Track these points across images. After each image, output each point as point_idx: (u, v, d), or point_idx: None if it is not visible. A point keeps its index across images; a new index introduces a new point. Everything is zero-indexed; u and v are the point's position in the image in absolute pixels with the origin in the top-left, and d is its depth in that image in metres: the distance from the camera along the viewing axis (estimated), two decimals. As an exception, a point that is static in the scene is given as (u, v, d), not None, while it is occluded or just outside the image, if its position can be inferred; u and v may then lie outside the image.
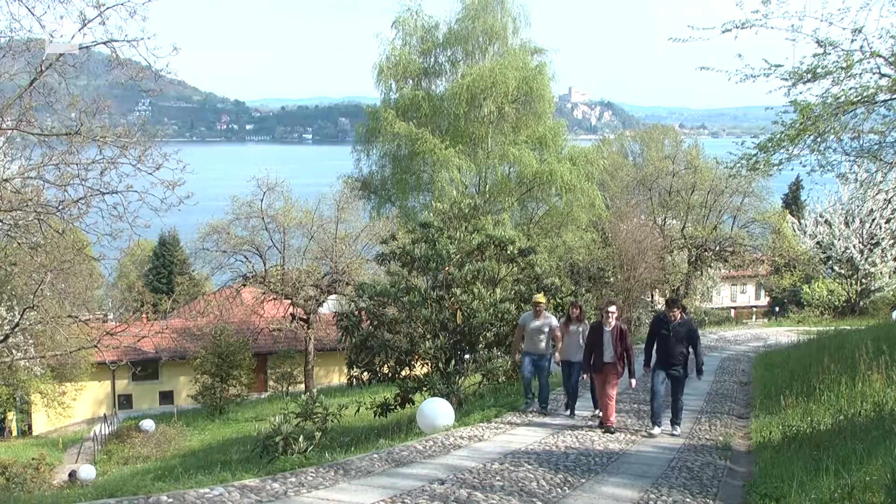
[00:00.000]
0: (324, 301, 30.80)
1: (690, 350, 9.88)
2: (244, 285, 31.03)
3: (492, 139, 33.99)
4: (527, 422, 10.45)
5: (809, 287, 36.99)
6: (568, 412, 11.11)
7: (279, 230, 30.03)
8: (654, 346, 9.93)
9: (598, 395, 10.52)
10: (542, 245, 30.31)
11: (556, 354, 11.03)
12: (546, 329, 11.02)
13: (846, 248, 36.46)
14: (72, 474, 19.79)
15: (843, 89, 10.57)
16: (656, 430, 9.77)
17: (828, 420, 8.62)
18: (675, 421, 9.95)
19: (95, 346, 22.52)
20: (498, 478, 6.82)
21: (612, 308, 10.10)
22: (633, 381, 10.44)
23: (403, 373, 14.44)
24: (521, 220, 34.44)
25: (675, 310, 9.76)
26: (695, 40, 11.37)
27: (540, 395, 11.25)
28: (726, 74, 11.18)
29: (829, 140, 11.39)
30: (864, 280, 36.54)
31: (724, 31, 10.93)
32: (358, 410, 13.75)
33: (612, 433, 9.63)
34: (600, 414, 10.49)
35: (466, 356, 14.47)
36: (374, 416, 13.82)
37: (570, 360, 10.91)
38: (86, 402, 33.56)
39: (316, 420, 10.03)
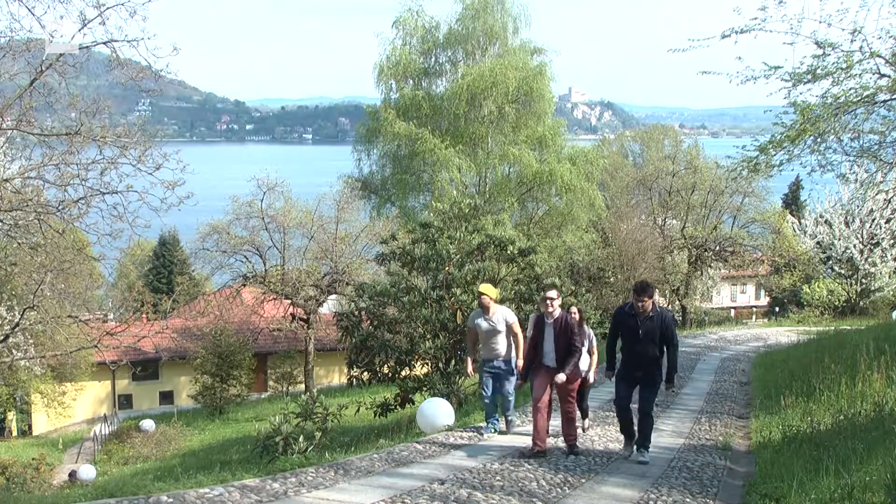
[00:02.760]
0: (324, 301, 30.80)
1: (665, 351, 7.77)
2: (244, 285, 31.03)
3: (492, 139, 34.00)
4: (527, 422, 10.44)
5: (809, 287, 36.98)
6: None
7: (279, 230, 30.03)
8: (619, 347, 7.95)
9: (537, 397, 8.16)
10: (542, 245, 30.26)
11: (519, 360, 8.81)
12: (501, 328, 8.90)
13: (846, 248, 36.46)
14: (72, 474, 19.78)
15: (843, 90, 10.59)
16: (625, 450, 8.12)
17: (828, 420, 8.62)
18: (642, 444, 7.91)
19: (95, 346, 22.50)
20: (498, 478, 6.82)
21: (552, 293, 8.01)
22: (591, 377, 9.20)
23: (403, 373, 14.44)
24: (521, 220, 34.45)
25: (646, 298, 7.57)
26: (694, 49, 11.40)
27: (503, 407, 9.32)
28: (727, 77, 11.20)
29: (829, 140, 11.40)
30: (864, 280, 36.53)
31: (723, 37, 10.96)
32: (358, 410, 13.75)
33: (577, 453, 7.95)
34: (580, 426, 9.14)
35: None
36: (374, 416, 13.82)
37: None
38: (86, 402, 33.56)
39: (316, 420, 10.03)
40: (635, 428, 7.98)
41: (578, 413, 8.79)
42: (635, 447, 7.99)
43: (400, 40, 34.81)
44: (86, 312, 23.56)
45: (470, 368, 9.64)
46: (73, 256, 16.72)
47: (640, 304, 7.59)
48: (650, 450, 7.92)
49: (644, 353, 7.64)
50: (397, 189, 34.61)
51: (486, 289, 9.04)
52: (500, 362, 9.00)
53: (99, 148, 11.61)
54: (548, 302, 7.93)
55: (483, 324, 8.94)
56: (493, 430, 9.19)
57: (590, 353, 9.46)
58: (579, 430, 8.91)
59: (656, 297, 39.62)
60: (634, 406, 7.92)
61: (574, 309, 9.07)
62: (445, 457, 7.68)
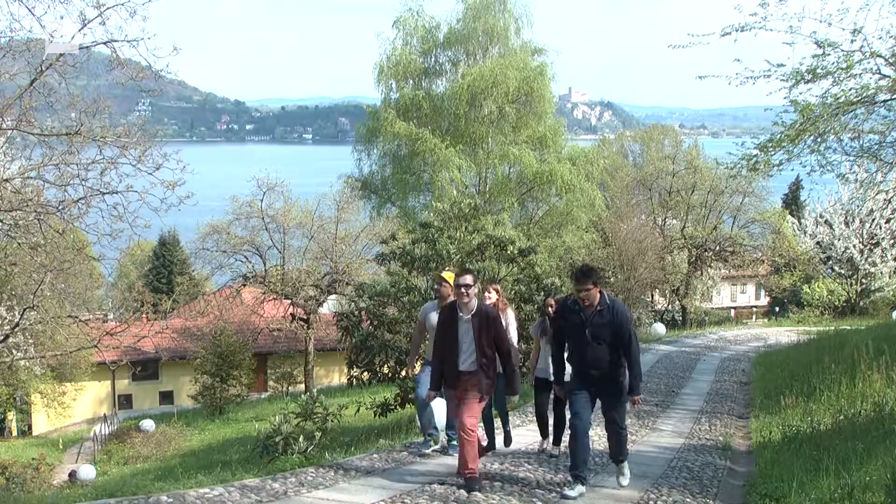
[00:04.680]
0: (324, 301, 30.80)
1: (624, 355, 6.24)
2: (244, 285, 31.04)
3: (492, 139, 34.00)
4: (527, 422, 10.44)
5: (809, 287, 36.97)
6: (545, 446, 8.05)
7: (279, 230, 30.04)
8: (565, 351, 6.51)
9: (450, 415, 6.86)
10: (542, 245, 30.27)
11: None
12: None
13: (846, 248, 36.44)
14: (72, 474, 19.79)
15: (843, 89, 10.60)
16: (575, 492, 6.15)
17: (828, 420, 8.62)
18: (617, 458, 6.58)
19: (95, 346, 22.52)
20: (498, 478, 6.82)
21: (467, 279, 6.24)
22: (514, 400, 7.07)
23: (403, 373, 14.43)
24: (521, 220, 34.44)
25: (589, 286, 6.03)
26: (694, 46, 11.40)
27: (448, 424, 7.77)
28: (726, 79, 11.20)
29: (829, 140, 11.41)
30: (864, 280, 36.52)
31: (723, 35, 10.96)
32: (358, 410, 13.74)
33: (476, 490, 6.14)
34: (548, 447, 7.97)
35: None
36: (374, 416, 13.80)
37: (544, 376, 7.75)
38: (86, 402, 33.56)
39: (316, 420, 10.01)
40: (586, 455, 6.33)
41: (482, 433, 7.28)
42: (617, 464, 6.65)
43: (400, 40, 34.83)
44: (86, 312, 23.59)
45: (416, 368, 8.00)
46: (73, 256, 16.71)
47: (582, 294, 6.07)
48: (626, 472, 6.64)
49: (596, 358, 6.17)
50: (397, 189, 34.61)
51: (450, 276, 7.09)
52: None
53: (99, 148, 11.61)
54: (462, 290, 6.18)
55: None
56: (431, 445, 7.80)
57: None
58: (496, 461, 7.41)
59: (659, 299, 40.13)
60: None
61: (491, 290, 7.65)
62: (445, 457, 7.67)
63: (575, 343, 6.30)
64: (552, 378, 7.10)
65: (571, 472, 6.32)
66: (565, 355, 6.53)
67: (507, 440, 8.14)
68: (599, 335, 6.14)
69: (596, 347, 6.17)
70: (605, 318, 6.16)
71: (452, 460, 7.30)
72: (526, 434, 9.14)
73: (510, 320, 7.68)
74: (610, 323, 6.14)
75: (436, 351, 6.57)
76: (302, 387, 30.92)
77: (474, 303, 6.31)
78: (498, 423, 8.11)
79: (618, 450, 6.59)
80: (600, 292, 6.17)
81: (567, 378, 6.53)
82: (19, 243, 13.64)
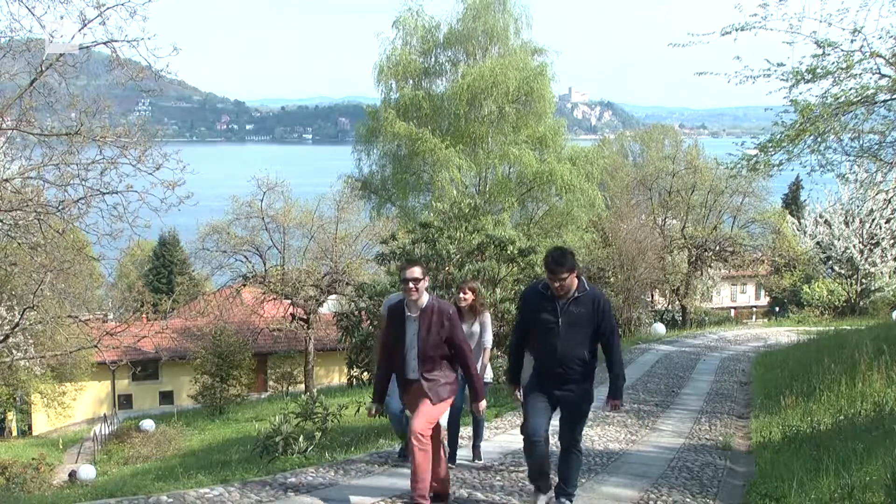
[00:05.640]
0: (324, 301, 30.81)
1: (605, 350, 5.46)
2: (244, 285, 31.04)
3: (492, 139, 34.00)
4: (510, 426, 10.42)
5: (809, 287, 36.98)
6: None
7: (279, 230, 30.04)
8: (529, 347, 5.55)
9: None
10: (542, 245, 30.22)
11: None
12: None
13: (846, 248, 36.44)
14: (72, 474, 19.80)
15: (843, 89, 10.61)
16: (541, 501, 5.57)
17: (828, 420, 8.62)
18: (563, 491, 5.57)
19: (95, 346, 22.50)
20: (498, 478, 6.82)
21: (415, 271, 5.35)
22: (482, 406, 5.78)
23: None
24: (521, 220, 34.43)
25: (564, 274, 5.18)
26: (694, 45, 11.41)
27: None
28: (725, 77, 11.21)
29: (829, 140, 11.42)
30: (864, 280, 36.52)
31: (723, 34, 10.97)
32: (358, 410, 13.70)
33: None
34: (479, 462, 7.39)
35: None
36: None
37: None
38: (86, 402, 33.57)
39: (316, 420, 10.02)
40: (548, 468, 5.52)
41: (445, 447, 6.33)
42: (553, 496, 5.59)
43: (400, 40, 34.82)
44: (86, 312, 23.59)
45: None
46: (73, 256, 16.74)
47: (557, 283, 5.20)
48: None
49: (567, 356, 5.26)
50: (397, 189, 34.62)
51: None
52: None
53: (99, 148, 11.61)
54: (410, 285, 5.33)
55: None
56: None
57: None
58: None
59: (659, 299, 40.16)
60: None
61: (467, 289, 7.04)
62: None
63: (543, 336, 5.32)
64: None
65: (533, 483, 5.60)
66: (527, 350, 5.59)
67: (475, 454, 7.53)
68: (575, 327, 5.24)
69: (569, 342, 5.23)
70: (584, 306, 5.25)
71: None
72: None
73: (486, 323, 7.11)
74: (589, 314, 5.25)
75: (381, 356, 5.66)
76: (302, 387, 30.92)
77: (424, 299, 5.41)
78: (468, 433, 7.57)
79: (568, 478, 5.51)
80: (578, 278, 5.29)
81: (526, 378, 5.55)
82: (19, 243, 13.65)
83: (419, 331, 5.39)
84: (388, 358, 5.58)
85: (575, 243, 32.40)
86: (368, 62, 35.98)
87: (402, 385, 5.60)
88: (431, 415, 5.39)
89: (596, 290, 5.41)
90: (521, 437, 5.49)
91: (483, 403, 5.75)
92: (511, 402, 9.97)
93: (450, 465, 6.50)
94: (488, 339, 7.13)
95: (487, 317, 7.22)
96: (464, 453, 7.61)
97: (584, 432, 5.85)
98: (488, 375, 7.46)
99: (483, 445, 8.52)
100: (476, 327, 7.02)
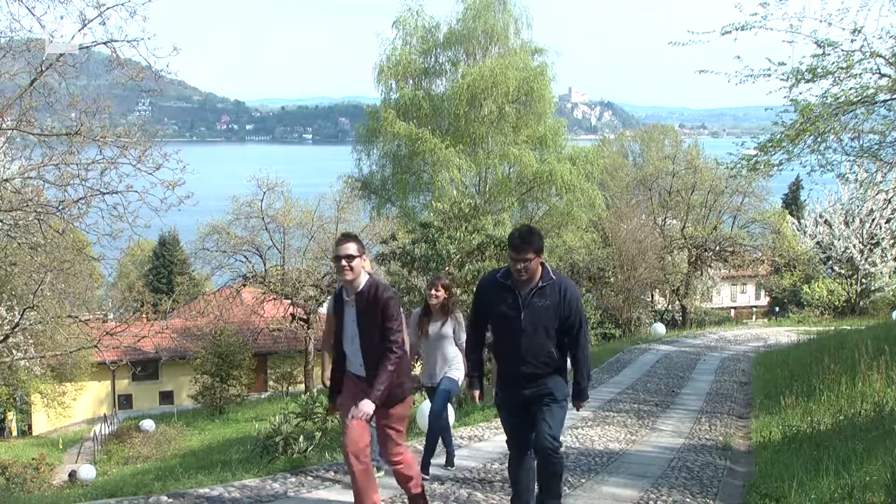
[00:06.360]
0: (324, 301, 30.81)
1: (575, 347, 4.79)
2: (244, 285, 31.08)
3: (492, 139, 34.00)
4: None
5: (809, 287, 36.99)
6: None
7: (279, 230, 30.09)
8: (491, 342, 5.01)
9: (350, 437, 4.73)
10: (542, 245, 30.25)
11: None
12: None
13: (846, 248, 36.44)
14: (72, 474, 19.80)
15: (843, 89, 10.61)
16: None
17: (828, 420, 8.62)
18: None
19: (95, 346, 22.54)
20: (498, 478, 6.81)
21: (349, 247, 4.59)
22: (368, 410, 4.58)
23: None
24: (521, 220, 34.39)
25: (529, 254, 4.54)
26: (694, 44, 11.42)
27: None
28: (725, 77, 11.21)
29: (829, 140, 11.42)
30: (864, 280, 36.53)
31: (723, 34, 10.97)
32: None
33: None
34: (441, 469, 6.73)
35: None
36: (374, 416, 13.81)
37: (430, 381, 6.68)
38: (86, 402, 33.58)
39: (316, 420, 10.03)
40: (530, 488, 4.93)
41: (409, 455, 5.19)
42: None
43: (400, 40, 34.82)
44: (86, 312, 23.63)
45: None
46: (73, 256, 16.74)
47: (520, 266, 4.52)
48: None
49: (532, 355, 4.66)
50: (397, 189, 34.61)
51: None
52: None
53: (99, 148, 11.62)
54: (343, 264, 4.58)
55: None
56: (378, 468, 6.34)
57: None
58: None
59: (659, 299, 40.20)
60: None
61: (439, 287, 6.50)
62: (445, 457, 7.67)
63: (504, 333, 4.74)
64: (433, 383, 6.30)
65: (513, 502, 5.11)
66: (486, 345, 5.02)
67: (424, 467, 6.68)
68: (539, 321, 4.61)
69: (533, 339, 4.63)
70: (549, 298, 4.62)
71: (454, 460, 7.27)
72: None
73: (461, 322, 6.49)
74: (555, 305, 4.61)
75: (333, 349, 4.97)
76: (302, 387, 30.93)
77: (362, 280, 4.66)
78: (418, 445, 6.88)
79: (550, 488, 4.83)
80: (542, 265, 4.67)
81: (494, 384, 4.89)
82: (19, 243, 13.65)
83: (357, 317, 4.65)
84: (335, 351, 4.90)
85: (575, 243, 32.43)
86: (368, 62, 36.02)
87: (345, 385, 4.87)
88: (397, 428, 4.76)
89: (563, 278, 4.76)
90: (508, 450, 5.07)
91: (368, 407, 4.54)
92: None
93: (425, 475, 6.14)
94: (461, 338, 6.50)
95: (461, 316, 6.64)
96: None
97: (584, 432, 5.85)
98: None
99: (482, 446, 8.53)
100: (448, 328, 6.50)
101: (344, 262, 4.60)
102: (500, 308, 4.70)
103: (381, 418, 4.78)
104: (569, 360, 4.86)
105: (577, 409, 5.03)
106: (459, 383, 6.57)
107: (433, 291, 6.50)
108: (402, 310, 5.88)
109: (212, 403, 30.29)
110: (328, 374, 5.21)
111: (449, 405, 7.03)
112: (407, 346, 4.95)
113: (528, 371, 4.71)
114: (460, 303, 11.02)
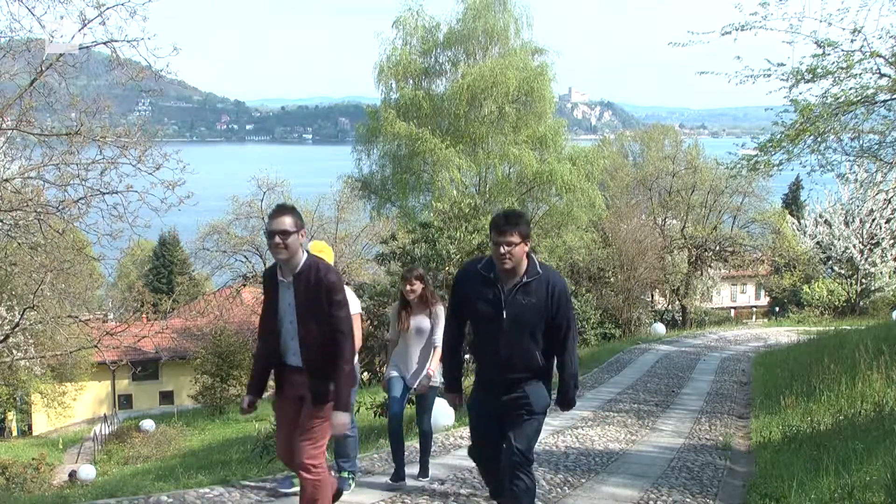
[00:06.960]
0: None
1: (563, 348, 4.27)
2: (244, 285, 31.08)
3: (492, 139, 34.00)
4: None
5: (809, 287, 37.00)
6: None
7: (279, 230, 30.07)
8: (468, 342, 4.62)
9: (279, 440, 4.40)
10: (542, 245, 30.34)
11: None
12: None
13: (846, 248, 36.45)
14: (72, 474, 19.80)
15: (843, 89, 10.62)
16: None
17: (828, 420, 8.62)
18: None
19: (95, 346, 22.52)
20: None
21: (284, 221, 3.95)
22: (344, 421, 4.05)
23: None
24: (521, 220, 34.39)
25: (514, 237, 3.99)
26: (694, 44, 11.42)
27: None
28: (725, 77, 11.22)
29: (829, 140, 11.43)
30: (864, 280, 36.54)
31: (723, 34, 10.99)
32: (358, 410, 13.72)
33: None
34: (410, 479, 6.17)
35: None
36: (374, 416, 13.82)
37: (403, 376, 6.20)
38: (86, 402, 33.59)
39: (316, 420, 10.00)
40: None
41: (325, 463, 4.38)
42: None
43: (400, 40, 34.81)
44: (86, 312, 23.60)
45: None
46: (73, 256, 16.74)
47: (503, 250, 3.97)
48: None
49: (513, 359, 4.16)
50: (397, 189, 34.61)
51: (319, 247, 5.36)
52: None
53: (99, 148, 11.64)
54: (276, 241, 3.96)
55: None
56: (350, 482, 6.03)
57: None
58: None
59: (659, 299, 40.24)
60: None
61: (414, 280, 6.08)
62: (446, 457, 7.67)
63: (482, 332, 4.21)
64: (407, 376, 5.98)
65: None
66: (464, 345, 4.56)
67: (422, 470, 6.44)
68: (522, 322, 4.09)
69: (515, 341, 4.11)
70: (534, 295, 4.07)
71: (453, 460, 7.28)
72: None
73: (439, 316, 6.04)
74: (542, 302, 4.07)
75: (259, 337, 4.33)
76: (302, 387, 30.91)
77: (300, 258, 4.03)
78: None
79: None
80: (529, 256, 4.12)
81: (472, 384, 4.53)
82: (19, 243, 13.66)
83: (294, 301, 4.03)
84: (265, 338, 4.22)
85: (575, 243, 32.43)
86: (368, 62, 36.01)
87: (278, 376, 4.22)
88: (318, 433, 4.05)
89: (551, 272, 4.20)
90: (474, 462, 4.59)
91: (343, 418, 4.04)
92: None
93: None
94: (439, 336, 5.92)
95: (441, 310, 6.06)
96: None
97: (583, 432, 5.80)
98: (438, 379, 6.05)
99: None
100: (427, 322, 6.07)
101: (278, 239, 3.94)
102: (479, 304, 4.15)
103: (306, 415, 4.08)
104: (555, 365, 4.36)
105: (563, 409, 4.55)
106: (438, 388, 6.10)
107: (408, 287, 6.09)
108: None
109: (212, 403, 30.30)
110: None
111: (443, 403, 6.78)
112: (358, 339, 4.72)
113: (507, 376, 4.20)
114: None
